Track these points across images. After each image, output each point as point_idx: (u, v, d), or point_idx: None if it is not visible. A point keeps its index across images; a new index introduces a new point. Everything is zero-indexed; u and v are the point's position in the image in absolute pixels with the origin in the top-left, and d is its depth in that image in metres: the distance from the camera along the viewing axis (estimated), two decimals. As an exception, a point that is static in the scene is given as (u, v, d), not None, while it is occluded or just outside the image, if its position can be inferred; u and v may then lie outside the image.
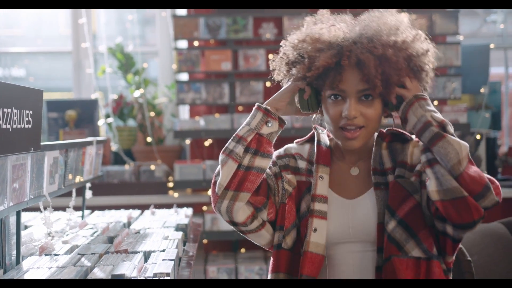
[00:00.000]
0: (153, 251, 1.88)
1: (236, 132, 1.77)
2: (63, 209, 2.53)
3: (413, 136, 1.80)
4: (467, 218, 1.61)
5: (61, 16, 5.32)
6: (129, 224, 2.49)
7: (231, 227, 1.81)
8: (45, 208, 1.94)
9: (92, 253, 1.83)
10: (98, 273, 1.59)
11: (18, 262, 1.75)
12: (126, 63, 4.46)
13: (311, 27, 1.81)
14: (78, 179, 2.32)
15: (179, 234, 2.10)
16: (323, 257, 1.76)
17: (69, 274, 1.58)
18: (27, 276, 1.58)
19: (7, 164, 1.54)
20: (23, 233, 2.12)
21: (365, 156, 1.84)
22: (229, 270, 3.97)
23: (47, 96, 4.34)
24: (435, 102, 4.26)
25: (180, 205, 2.96)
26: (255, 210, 1.77)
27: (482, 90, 4.53)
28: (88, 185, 2.60)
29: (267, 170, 1.80)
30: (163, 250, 1.88)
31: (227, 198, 1.72)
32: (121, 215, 2.64)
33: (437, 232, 1.71)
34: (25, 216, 2.55)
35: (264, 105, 1.80)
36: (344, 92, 1.73)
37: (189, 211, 2.76)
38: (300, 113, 1.86)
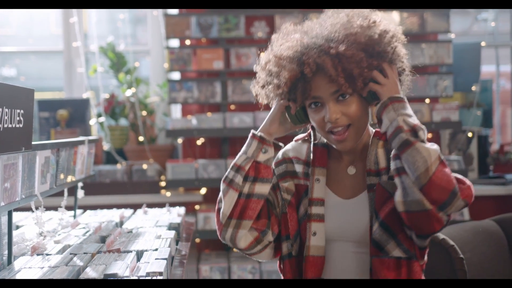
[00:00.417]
0: (146, 250, 1.88)
1: (234, 161, 1.83)
2: (55, 208, 2.52)
3: (410, 109, 1.75)
4: (428, 230, 1.67)
5: (52, 15, 5.30)
6: (121, 223, 2.48)
7: (223, 227, 1.87)
8: (36, 208, 1.93)
9: (84, 253, 1.82)
10: (91, 273, 1.59)
11: (9, 262, 1.74)
12: (118, 62, 4.45)
13: (275, 44, 1.85)
14: (70, 178, 2.31)
15: (172, 233, 2.09)
16: (324, 258, 1.80)
17: (61, 274, 1.57)
18: (19, 276, 1.58)
19: (-2, 163, 1.54)
20: (14, 233, 2.11)
21: (362, 155, 1.85)
22: (221, 269, 3.97)
23: (38, 95, 4.31)
24: (427, 100, 4.27)
25: (173, 204, 2.96)
26: (259, 234, 1.82)
27: (473, 88, 4.54)
28: (80, 184, 2.59)
29: None
30: (156, 249, 1.88)
31: (231, 226, 1.80)
32: (113, 215, 2.63)
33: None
34: (17, 216, 2.53)
35: (258, 133, 1.84)
36: (320, 98, 1.75)
37: (181, 210, 2.75)
38: (295, 127, 1.88)
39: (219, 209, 1.82)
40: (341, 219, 1.80)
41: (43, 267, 1.65)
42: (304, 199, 1.84)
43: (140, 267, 1.68)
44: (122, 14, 4.60)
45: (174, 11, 4.43)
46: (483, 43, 4.61)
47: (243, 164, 1.80)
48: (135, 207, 2.88)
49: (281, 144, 1.88)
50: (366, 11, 1.80)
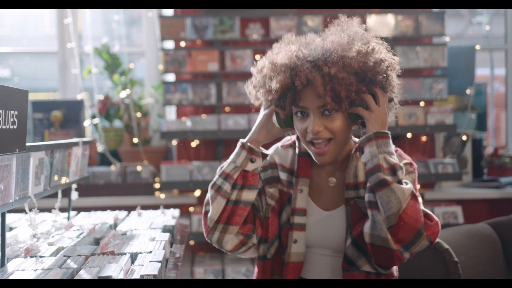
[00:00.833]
0: (140, 253, 1.87)
1: (223, 169, 1.90)
2: (49, 210, 2.51)
3: (393, 147, 1.81)
4: (387, 264, 1.77)
5: (47, 16, 5.29)
6: (115, 225, 2.47)
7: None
8: (30, 210, 1.92)
9: (78, 255, 1.81)
10: (84, 275, 1.58)
11: (3, 264, 1.73)
12: (112, 64, 4.44)
13: (274, 51, 1.90)
14: (64, 180, 2.30)
15: (166, 236, 2.09)
16: (303, 263, 1.90)
17: (55, 276, 1.56)
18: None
19: (-8, 165, 1.53)
20: (8, 234, 2.10)
21: (342, 166, 1.92)
22: (216, 271, 3.96)
23: (32, 96, 4.31)
24: (422, 103, 4.27)
25: (167, 206, 2.95)
26: (245, 238, 1.90)
27: (468, 91, 4.55)
28: (74, 186, 2.58)
29: None
30: (150, 252, 1.87)
31: (218, 230, 1.87)
32: (108, 216, 2.62)
33: None
34: (10, 218, 2.52)
35: (248, 144, 1.90)
36: (307, 108, 1.81)
37: (176, 212, 2.75)
38: (282, 132, 1.95)
39: (206, 212, 1.90)
40: (321, 229, 1.89)
41: (36, 270, 1.64)
42: (286, 207, 1.93)
43: (134, 269, 1.68)
44: (117, 15, 4.59)
45: (169, 13, 4.43)
46: (477, 47, 4.61)
47: (232, 172, 1.87)
48: (129, 209, 2.87)
49: (268, 152, 1.96)
50: (369, 36, 1.83)
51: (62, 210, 2.44)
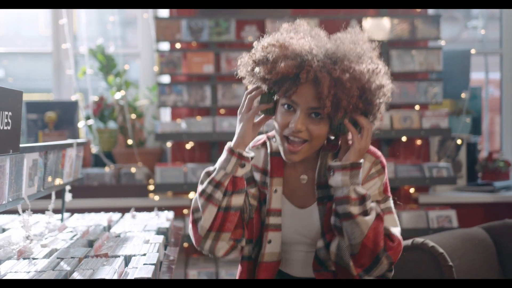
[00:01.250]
0: (134, 255, 1.86)
1: (213, 176, 1.84)
2: (42, 212, 2.49)
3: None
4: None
5: (41, 16, 5.27)
6: (109, 227, 2.46)
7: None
8: (23, 211, 1.91)
9: (71, 257, 1.80)
10: (78, 278, 1.57)
11: (-5, 266, 1.71)
12: (107, 65, 4.42)
13: (284, 33, 1.86)
14: (57, 181, 2.29)
15: (160, 238, 2.08)
16: (278, 262, 1.91)
17: (48, 278, 1.55)
18: (4, 281, 1.55)
19: (-15, 166, 1.51)
20: (0, 236, 2.09)
21: (313, 164, 1.92)
22: (209, 273, 3.96)
23: (26, 97, 4.29)
24: (417, 107, 4.28)
25: (161, 208, 2.94)
26: (235, 242, 1.88)
27: (463, 95, 4.56)
28: (67, 187, 2.57)
29: None
30: (144, 254, 1.86)
31: (210, 238, 1.83)
32: (101, 218, 2.61)
33: None
34: (3, 219, 2.51)
35: (237, 150, 1.85)
36: (297, 104, 1.79)
37: (170, 214, 2.74)
38: (266, 120, 1.91)
39: (195, 220, 1.85)
40: (296, 227, 1.91)
41: (29, 272, 1.63)
42: (262, 207, 1.93)
43: (128, 272, 1.67)
44: (112, 16, 4.58)
45: (164, 14, 4.42)
46: (472, 51, 4.62)
47: (222, 180, 1.82)
48: (123, 210, 2.86)
49: (253, 155, 1.90)
50: (374, 55, 1.83)
51: (55, 211, 2.43)
